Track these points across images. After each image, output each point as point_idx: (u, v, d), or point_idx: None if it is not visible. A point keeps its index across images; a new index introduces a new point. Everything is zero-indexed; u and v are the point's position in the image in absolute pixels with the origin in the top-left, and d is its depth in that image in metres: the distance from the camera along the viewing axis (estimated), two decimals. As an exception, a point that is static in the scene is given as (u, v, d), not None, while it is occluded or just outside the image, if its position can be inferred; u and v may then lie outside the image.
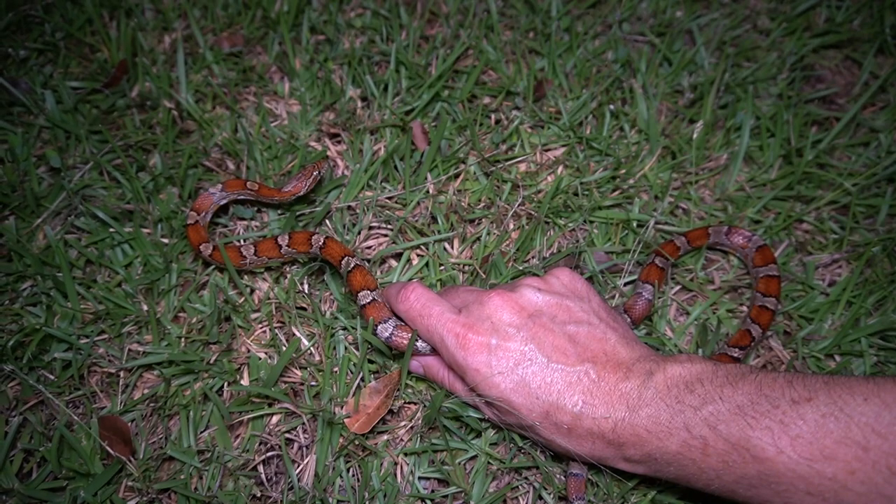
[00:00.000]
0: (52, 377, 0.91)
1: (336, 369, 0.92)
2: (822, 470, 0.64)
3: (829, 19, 1.33)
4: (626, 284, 1.02)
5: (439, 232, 1.03)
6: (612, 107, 1.17)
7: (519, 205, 1.05)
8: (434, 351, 0.85)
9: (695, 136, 1.15)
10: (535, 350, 0.78)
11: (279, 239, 0.95)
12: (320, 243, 0.94)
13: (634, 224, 1.05)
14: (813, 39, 1.29)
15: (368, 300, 0.89)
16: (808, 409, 0.66)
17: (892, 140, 1.17)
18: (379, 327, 0.88)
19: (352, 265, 0.92)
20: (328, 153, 1.12)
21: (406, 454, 0.88)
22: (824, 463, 0.64)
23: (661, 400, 0.73)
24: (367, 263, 0.99)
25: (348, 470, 0.87)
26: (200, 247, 0.96)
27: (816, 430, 0.65)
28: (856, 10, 1.33)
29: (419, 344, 0.86)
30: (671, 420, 0.72)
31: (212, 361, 0.92)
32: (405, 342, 0.86)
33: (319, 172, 1.00)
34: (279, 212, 1.05)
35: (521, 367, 0.78)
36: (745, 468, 0.68)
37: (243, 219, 1.06)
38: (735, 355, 0.93)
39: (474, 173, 1.10)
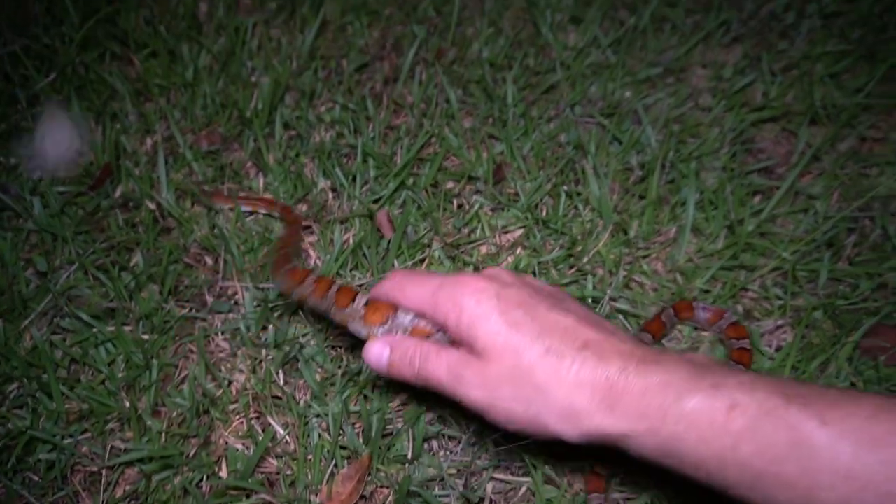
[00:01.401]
0: (36, 478, 0.95)
1: (310, 457, 0.96)
2: (865, 456, 0.57)
3: (765, 94, 1.44)
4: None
5: (406, 317, 1.09)
6: (566, 187, 1.25)
7: (481, 286, 1.12)
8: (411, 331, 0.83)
9: (643, 213, 1.22)
10: (538, 299, 0.75)
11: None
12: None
13: (590, 300, 1.12)
14: (751, 114, 1.39)
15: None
16: (861, 397, 0.60)
17: (828, 206, 1.25)
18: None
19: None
20: (300, 244, 1.19)
21: (379, 538, 0.92)
22: (872, 448, 0.57)
23: (677, 362, 0.67)
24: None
25: (324, 557, 0.90)
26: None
27: (869, 416, 0.58)
28: (789, 84, 1.44)
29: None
30: (690, 378, 0.65)
31: (191, 455, 0.96)
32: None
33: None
34: (255, 304, 1.11)
35: (521, 308, 0.73)
36: (775, 435, 0.60)
37: (220, 312, 1.12)
38: None
39: (439, 257, 1.17)
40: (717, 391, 0.64)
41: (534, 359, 0.71)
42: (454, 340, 0.79)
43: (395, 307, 0.85)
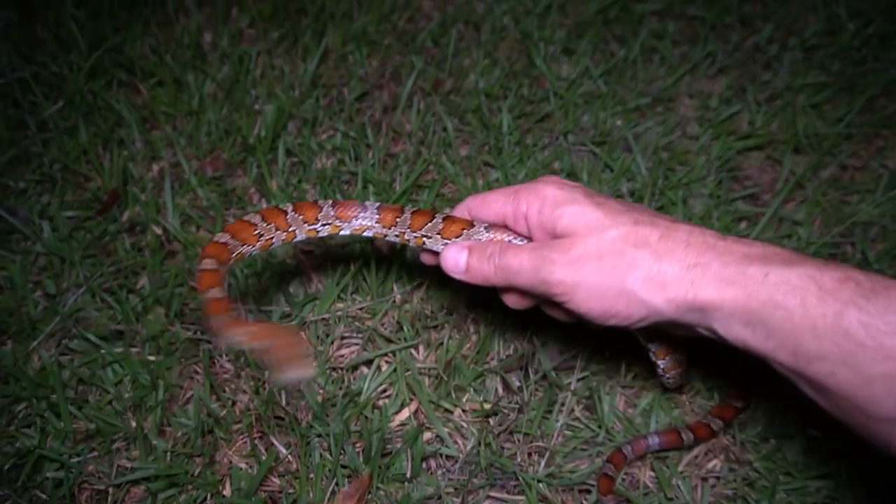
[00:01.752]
0: (44, 496, 0.98)
1: (312, 476, 0.99)
2: None
3: (750, 123, 1.49)
4: (579, 380, 1.11)
5: (405, 339, 1.12)
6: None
7: (477, 310, 1.16)
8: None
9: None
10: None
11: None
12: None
13: (582, 323, 1.16)
14: (737, 142, 1.45)
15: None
16: None
17: (811, 232, 1.30)
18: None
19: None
20: (302, 268, 1.22)
21: (379, 555, 0.95)
22: None
23: (778, 247, 0.69)
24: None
25: (325, 574, 0.93)
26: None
27: None
28: (773, 114, 1.50)
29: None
30: (795, 254, 0.66)
31: (196, 474, 0.99)
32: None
33: None
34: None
35: (605, 196, 0.78)
36: (891, 307, 0.59)
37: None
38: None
39: (437, 282, 1.21)
40: (828, 265, 0.63)
41: (623, 230, 0.72)
42: (531, 239, 0.83)
43: (471, 223, 0.91)
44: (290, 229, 0.95)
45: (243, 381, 1.09)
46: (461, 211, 0.93)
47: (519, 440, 1.05)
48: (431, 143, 1.42)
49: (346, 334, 1.14)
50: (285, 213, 0.95)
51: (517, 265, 0.79)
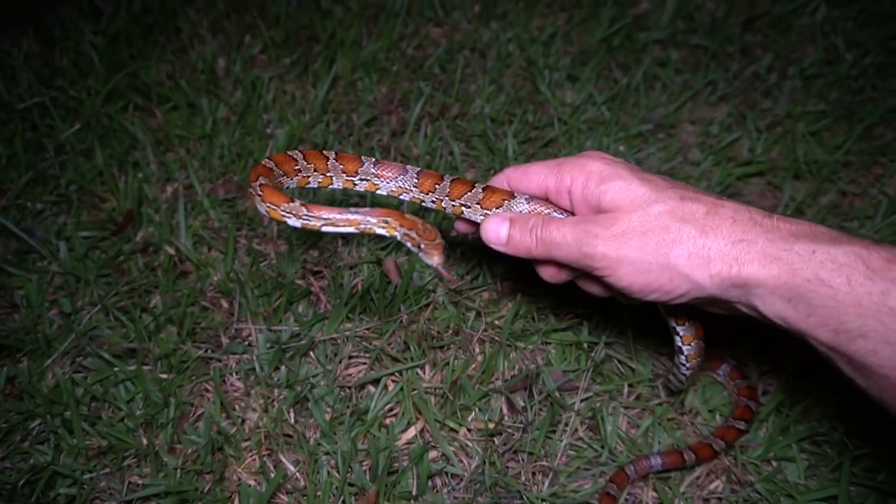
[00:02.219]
0: (57, 512, 0.99)
1: (319, 493, 1.01)
2: None
3: (750, 150, 1.53)
4: (582, 400, 1.13)
5: (412, 359, 1.15)
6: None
7: (483, 331, 1.18)
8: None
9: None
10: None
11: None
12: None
13: (585, 345, 1.18)
14: (737, 168, 1.48)
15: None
16: None
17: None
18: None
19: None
20: (311, 289, 1.25)
21: (384, 573, 0.96)
22: None
23: (803, 225, 0.70)
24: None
25: (331, 591, 0.94)
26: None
27: None
28: (773, 141, 1.53)
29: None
30: (841, 233, 0.67)
31: (205, 491, 1.01)
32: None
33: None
34: (268, 345, 1.17)
35: (652, 173, 0.78)
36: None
37: (235, 353, 1.17)
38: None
39: (443, 303, 1.23)
40: (874, 244, 0.63)
41: (670, 204, 0.73)
42: (572, 213, 0.83)
43: (511, 193, 0.89)
44: (328, 174, 0.97)
45: (253, 399, 1.11)
46: (500, 181, 0.92)
47: (523, 459, 1.07)
48: (438, 166, 1.45)
49: (354, 353, 1.16)
50: (327, 158, 0.97)
51: (560, 238, 0.79)
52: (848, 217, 1.41)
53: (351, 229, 0.92)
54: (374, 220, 0.92)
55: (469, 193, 0.93)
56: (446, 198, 0.95)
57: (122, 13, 1.72)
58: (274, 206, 0.91)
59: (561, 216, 0.86)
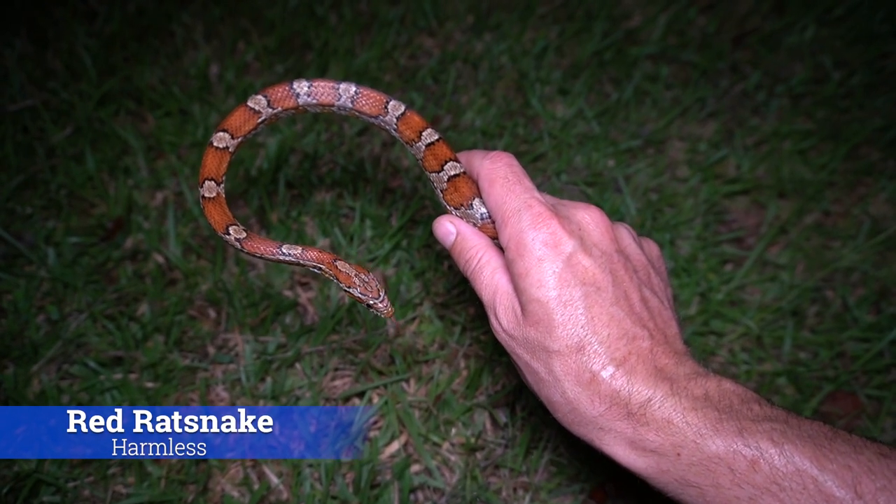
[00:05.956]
0: (40, 520, 1.00)
1: (302, 506, 1.02)
2: None
3: (737, 167, 1.55)
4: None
5: (397, 372, 1.16)
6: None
7: (468, 345, 1.19)
8: (480, 227, 0.84)
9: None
10: (609, 283, 0.70)
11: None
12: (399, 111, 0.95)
13: (569, 361, 1.19)
14: (724, 186, 1.50)
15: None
16: None
17: (794, 276, 1.34)
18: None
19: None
20: (299, 300, 1.26)
21: (365, 586, 0.97)
22: None
23: (711, 401, 0.64)
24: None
25: None
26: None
27: None
28: (760, 159, 1.55)
29: (478, 211, 0.84)
30: (720, 420, 0.62)
31: (189, 501, 1.01)
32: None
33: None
34: (254, 356, 1.18)
35: (583, 288, 0.69)
36: (801, 498, 0.58)
37: (221, 363, 1.18)
38: None
39: (429, 316, 1.24)
40: (742, 438, 0.61)
41: (564, 349, 0.68)
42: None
43: (475, 195, 0.86)
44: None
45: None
46: (472, 166, 0.86)
47: (505, 475, 1.08)
48: (428, 178, 1.46)
49: (340, 366, 1.17)
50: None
51: (478, 292, 0.81)
52: (831, 237, 1.43)
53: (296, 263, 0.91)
54: (309, 263, 0.91)
55: (437, 175, 0.92)
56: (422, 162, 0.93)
57: (116, 15, 1.72)
58: (215, 226, 0.90)
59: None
